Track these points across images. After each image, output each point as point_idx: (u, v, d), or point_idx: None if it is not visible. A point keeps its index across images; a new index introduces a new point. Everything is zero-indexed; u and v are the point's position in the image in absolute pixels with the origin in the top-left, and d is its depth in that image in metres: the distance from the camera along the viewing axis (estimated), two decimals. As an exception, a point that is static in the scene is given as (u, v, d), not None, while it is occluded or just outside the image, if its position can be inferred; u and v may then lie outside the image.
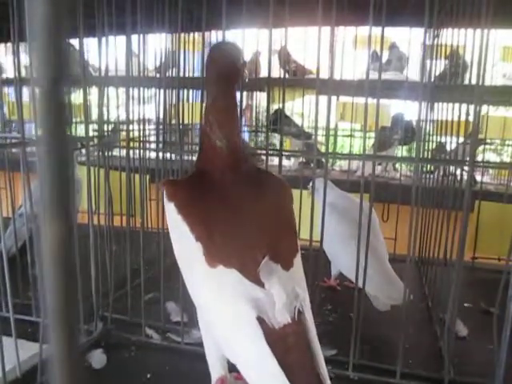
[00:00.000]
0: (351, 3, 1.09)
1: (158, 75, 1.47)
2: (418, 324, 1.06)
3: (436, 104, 1.27)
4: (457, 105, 1.05)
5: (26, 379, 0.80)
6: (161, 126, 1.22)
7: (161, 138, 1.20)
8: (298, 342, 0.54)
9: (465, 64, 1.45)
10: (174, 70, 1.30)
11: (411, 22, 1.44)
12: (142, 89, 1.21)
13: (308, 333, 0.56)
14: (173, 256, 0.65)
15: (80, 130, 1.43)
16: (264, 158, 0.94)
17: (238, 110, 0.69)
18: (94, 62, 1.68)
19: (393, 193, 1.66)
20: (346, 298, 1.19)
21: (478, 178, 1.82)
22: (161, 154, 1.06)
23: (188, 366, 0.87)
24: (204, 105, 0.68)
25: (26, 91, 1.15)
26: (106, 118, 1.24)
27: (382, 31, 0.83)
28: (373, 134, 1.81)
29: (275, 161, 1.30)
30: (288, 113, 2.46)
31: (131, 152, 1.12)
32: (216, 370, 0.66)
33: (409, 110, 2.30)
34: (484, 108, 1.57)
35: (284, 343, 0.53)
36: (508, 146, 2.33)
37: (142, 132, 1.18)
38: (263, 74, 2.32)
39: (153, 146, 1.22)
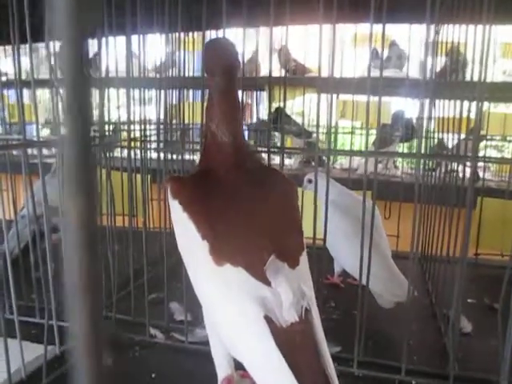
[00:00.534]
0: (352, 0, 1.09)
1: (157, 75, 1.47)
2: (422, 320, 1.06)
3: (437, 101, 1.27)
4: (457, 101, 1.05)
5: (30, 381, 0.80)
6: (162, 126, 1.22)
7: (162, 138, 1.20)
8: (305, 341, 0.54)
9: (464, 61, 1.45)
10: (174, 70, 1.30)
11: (412, 18, 1.44)
12: (142, 89, 1.21)
13: (315, 331, 0.55)
14: (176, 255, 0.65)
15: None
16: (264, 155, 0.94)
17: (240, 107, 0.69)
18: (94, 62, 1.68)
19: (394, 190, 1.66)
20: (349, 296, 1.18)
21: (480, 174, 1.82)
22: (162, 154, 1.06)
23: (193, 365, 0.87)
24: (205, 104, 0.68)
25: (26, 93, 1.15)
26: (106, 118, 1.24)
27: (383, 28, 0.83)
28: (374, 132, 1.81)
29: (276, 159, 1.31)
30: (288, 112, 2.46)
31: (132, 152, 1.12)
32: (223, 370, 0.65)
33: (409, 107, 2.31)
34: (485, 105, 1.58)
35: (291, 342, 0.53)
36: (509, 142, 2.33)
37: (143, 132, 1.18)
38: (263, 73, 2.32)
39: (154, 145, 1.23)
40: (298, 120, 2.47)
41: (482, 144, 2.09)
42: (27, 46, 0.85)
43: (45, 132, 2.72)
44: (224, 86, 0.64)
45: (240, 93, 0.83)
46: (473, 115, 0.82)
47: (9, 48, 1.57)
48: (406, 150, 2.48)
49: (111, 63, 1.15)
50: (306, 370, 0.52)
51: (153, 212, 1.37)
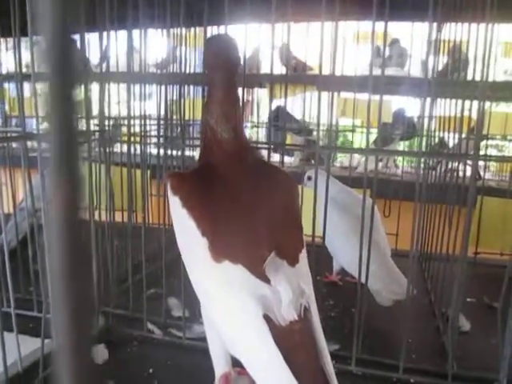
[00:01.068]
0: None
1: (158, 71, 1.47)
2: (421, 319, 1.06)
3: (438, 100, 1.26)
4: (459, 100, 1.05)
5: (27, 374, 0.80)
6: (162, 122, 1.22)
7: (162, 134, 1.19)
8: (304, 340, 0.54)
9: (466, 60, 1.44)
10: (174, 65, 1.30)
11: (414, 16, 1.43)
12: (142, 84, 1.20)
13: (314, 330, 0.55)
14: (174, 251, 0.64)
15: (81, 126, 1.42)
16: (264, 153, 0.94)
17: (240, 103, 0.68)
18: (95, 56, 1.67)
19: (394, 188, 1.66)
20: (347, 293, 1.18)
21: (481, 173, 1.82)
22: (162, 150, 1.05)
23: (190, 361, 0.87)
24: (205, 99, 0.68)
25: (26, 86, 1.15)
26: (106, 113, 1.23)
27: (385, 26, 0.82)
28: (374, 130, 1.81)
29: (276, 157, 1.30)
30: (289, 109, 2.45)
31: (132, 147, 1.11)
32: (220, 367, 0.65)
33: (410, 105, 2.31)
34: (486, 104, 1.57)
35: (290, 340, 0.53)
36: (510, 141, 2.33)
37: (143, 127, 1.17)
38: (264, 70, 2.31)
39: (154, 141, 1.22)
40: (299, 117, 2.47)
41: (483, 143, 2.09)
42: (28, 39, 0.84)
43: (45, 125, 2.72)
44: (224, 83, 0.64)
45: (240, 90, 0.82)
46: (474, 114, 0.82)
47: (10, 40, 1.56)
48: (406, 149, 2.48)
49: (112, 58, 1.15)
50: (305, 368, 0.52)
51: (152, 207, 1.37)
